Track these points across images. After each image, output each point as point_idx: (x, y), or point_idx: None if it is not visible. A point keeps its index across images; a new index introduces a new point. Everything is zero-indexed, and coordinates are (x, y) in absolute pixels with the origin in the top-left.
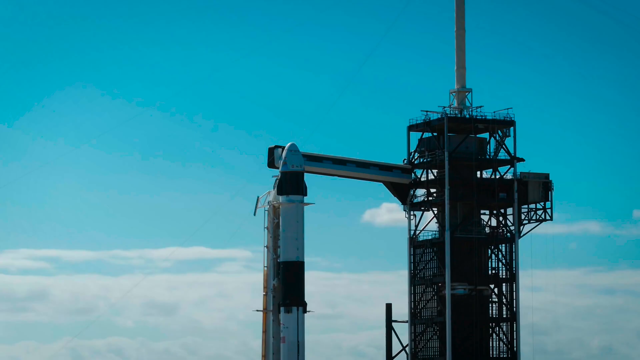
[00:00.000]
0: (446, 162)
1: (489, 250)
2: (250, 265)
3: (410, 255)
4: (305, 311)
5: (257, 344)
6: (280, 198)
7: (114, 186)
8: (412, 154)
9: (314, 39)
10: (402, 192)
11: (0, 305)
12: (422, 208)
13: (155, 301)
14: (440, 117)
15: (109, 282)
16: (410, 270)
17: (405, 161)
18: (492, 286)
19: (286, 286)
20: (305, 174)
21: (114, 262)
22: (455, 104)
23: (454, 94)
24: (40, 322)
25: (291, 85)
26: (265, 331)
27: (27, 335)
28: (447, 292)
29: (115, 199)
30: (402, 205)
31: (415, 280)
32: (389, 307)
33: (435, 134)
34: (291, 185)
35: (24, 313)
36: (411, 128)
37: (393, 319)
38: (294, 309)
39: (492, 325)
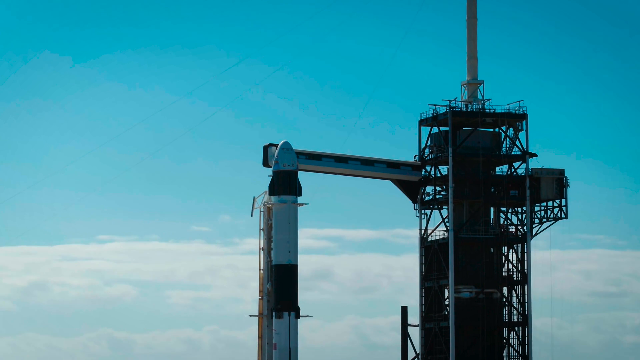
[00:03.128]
0: (450, 158)
1: (502, 251)
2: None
3: (420, 256)
4: (298, 316)
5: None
6: (273, 198)
7: None
8: (423, 149)
9: (334, 39)
10: (411, 190)
11: None
12: (431, 206)
13: None
14: (446, 111)
15: (391, 261)
16: (421, 272)
17: (417, 157)
18: (505, 289)
19: (278, 290)
20: (306, 172)
21: (396, 241)
22: (467, 97)
23: (465, 86)
24: (325, 300)
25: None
26: (261, 337)
27: (311, 313)
28: (451, 296)
29: None
30: (413, 204)
31: (425, 282)
32: (404, 310)
33: (448, 128)
34: (283, 185)
35: (309, 292)
36: (422, 122)
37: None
38: (285, 314)
39: (506, 330)
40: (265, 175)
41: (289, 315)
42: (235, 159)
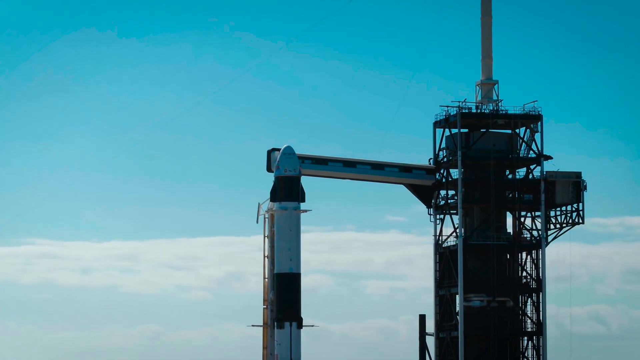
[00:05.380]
0: (459, 162)
1: (518, 258)
2: None
3: (435, 262)
4: (300, 326)
5: None
6: (274, 205)
7: None
8: (438, 152)
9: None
10: (425, 195)
11: None
12: (443, 212)
13: (636, 269)
14: (456, 112)
15: (589, 250)
16: (435, 279)
17: (431, 161)
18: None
19: (280, 300)
20: (317, 178)
21: (593, 230)
22: (481, 97)
23: (479, 86)
24: None
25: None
26: (266, 347)
27: None
28: (460, 305)
29: None
30: (427, 209)
31: (439, 290)
32: (422, 318)
33: (466, 130)
34: (285, 191)
35: None
36: (436, 124)
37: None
38: (287, 324)
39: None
40: (270, 181)
41: (291, 325)
42: None
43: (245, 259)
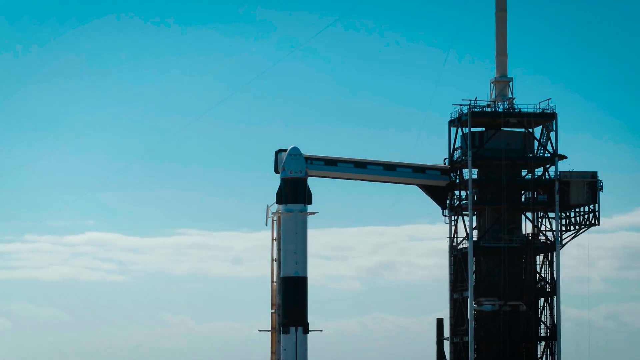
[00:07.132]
0: (469, 162)
1: (530, 261)
2: None
3: (450, 265)
4: (306, 331)
5: None
6: (280, 207)
7: None
8: (452, 152)
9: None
10: (439, 196)
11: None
12: (457, 213)
13: None
14: (467, 111)
15: None
16: (450, 281)
17: (447, 161)
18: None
19: (285, 304)
20: (327, 179)
21: None
22: (495, 95)
23: (493, 84)
24: None
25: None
26: (274, 352)
27: None
28: (470, 309)
29: None
30: (442, 210)
31: (453, 294)
32: (439, 322)
33: (483, 129)
34: (291, 193)
35: None
36: (451, 123)
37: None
38: (292, 329)
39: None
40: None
41: (296, 330)
42: None
43: (396, 249)
